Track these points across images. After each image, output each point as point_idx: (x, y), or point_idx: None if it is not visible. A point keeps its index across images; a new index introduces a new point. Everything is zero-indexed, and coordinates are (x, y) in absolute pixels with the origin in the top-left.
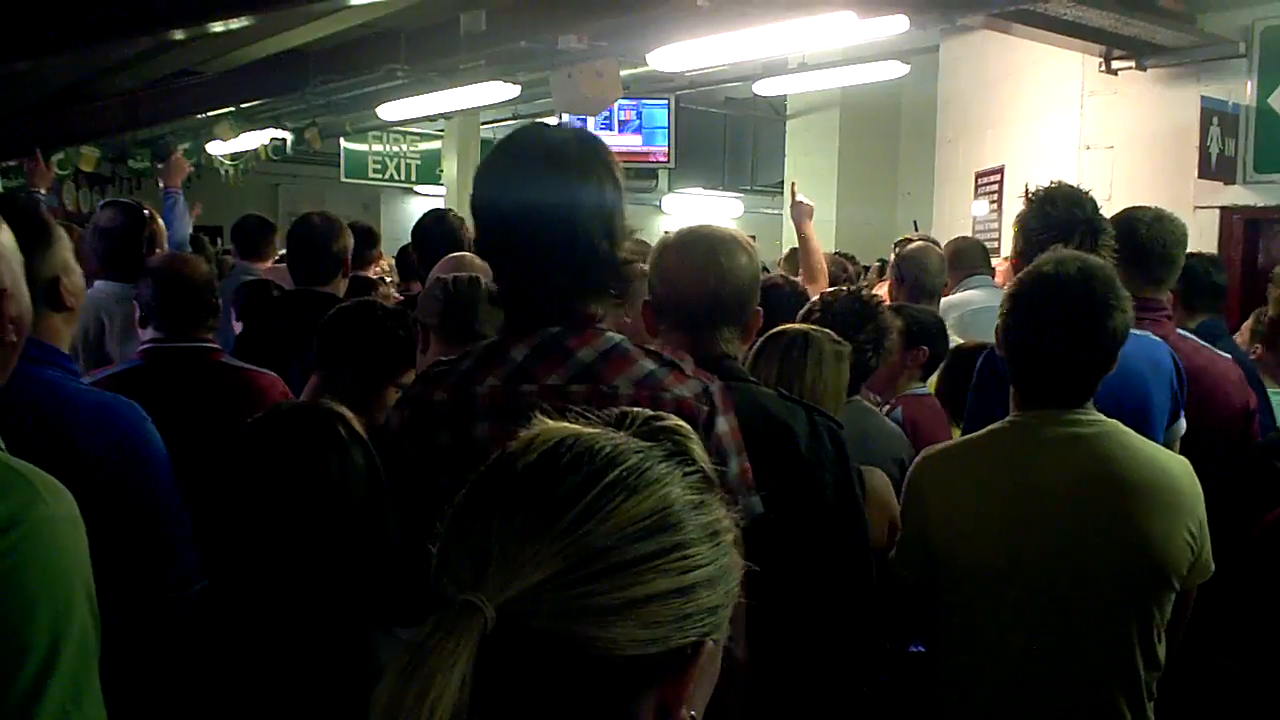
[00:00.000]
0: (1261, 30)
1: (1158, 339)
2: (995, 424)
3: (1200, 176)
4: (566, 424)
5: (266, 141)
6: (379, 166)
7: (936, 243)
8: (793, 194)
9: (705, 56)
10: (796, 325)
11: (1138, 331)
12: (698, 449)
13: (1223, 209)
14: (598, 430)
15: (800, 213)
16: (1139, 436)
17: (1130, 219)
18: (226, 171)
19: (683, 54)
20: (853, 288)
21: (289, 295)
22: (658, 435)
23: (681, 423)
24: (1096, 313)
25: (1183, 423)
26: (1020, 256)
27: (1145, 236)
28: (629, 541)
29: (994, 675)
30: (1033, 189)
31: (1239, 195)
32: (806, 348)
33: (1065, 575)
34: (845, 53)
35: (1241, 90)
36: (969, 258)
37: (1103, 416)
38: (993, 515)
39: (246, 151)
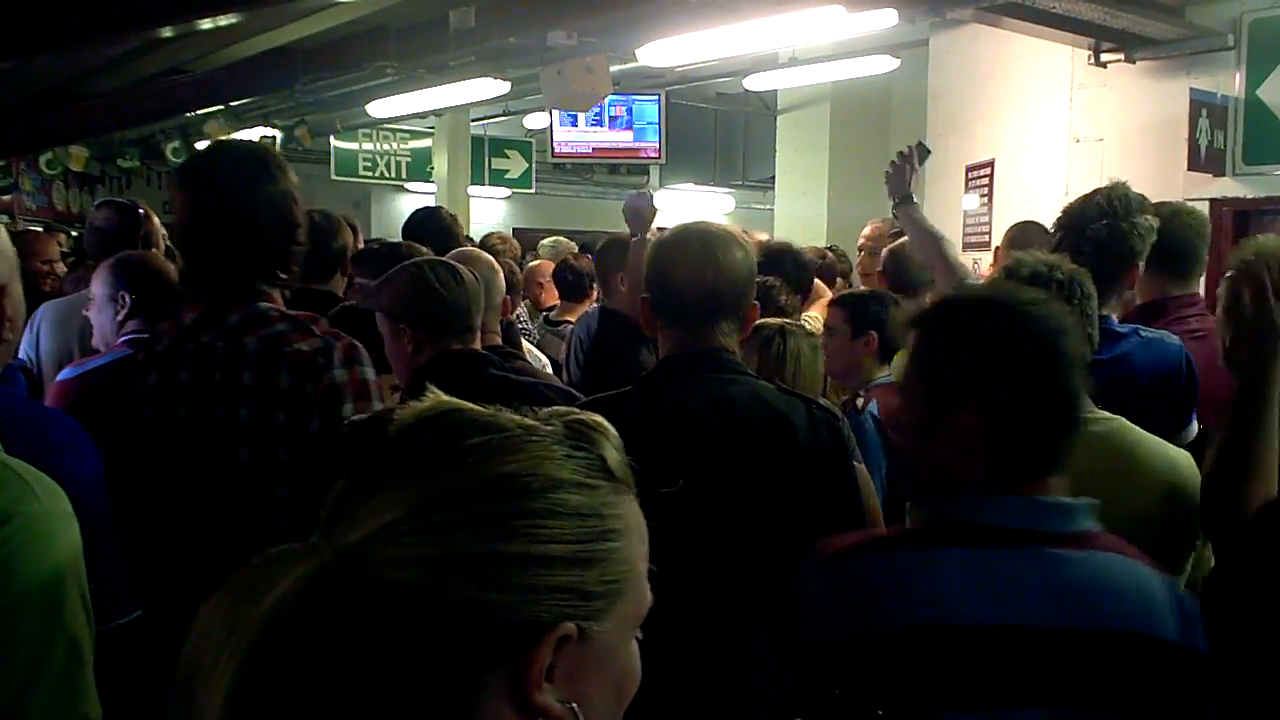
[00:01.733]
0: (1250, 22)
1: (1172, 342)
2: None
3: (1189, 169)
4: (458, 400)
5: (256, 140)
6: (369, 164)
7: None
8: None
9: (695, 52)
10: (771, 320)
11: (1150, 334)
12: (608, 445)
13: (1212, 201)
14: (481, 407)
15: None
16: (1146, 434)
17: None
18: None
19: (672, 49)
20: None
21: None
22: (568, 427)
23: (601, 420)
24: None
25: (1193, 427)
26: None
27: (1165, 232)
28: (482, 499)
29: None
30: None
31: (1228, 187)
32: (785, 341)
33: None
34: (835, 47)
35: (1230, 82)
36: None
37: (1109, 414)
38: None
39: None
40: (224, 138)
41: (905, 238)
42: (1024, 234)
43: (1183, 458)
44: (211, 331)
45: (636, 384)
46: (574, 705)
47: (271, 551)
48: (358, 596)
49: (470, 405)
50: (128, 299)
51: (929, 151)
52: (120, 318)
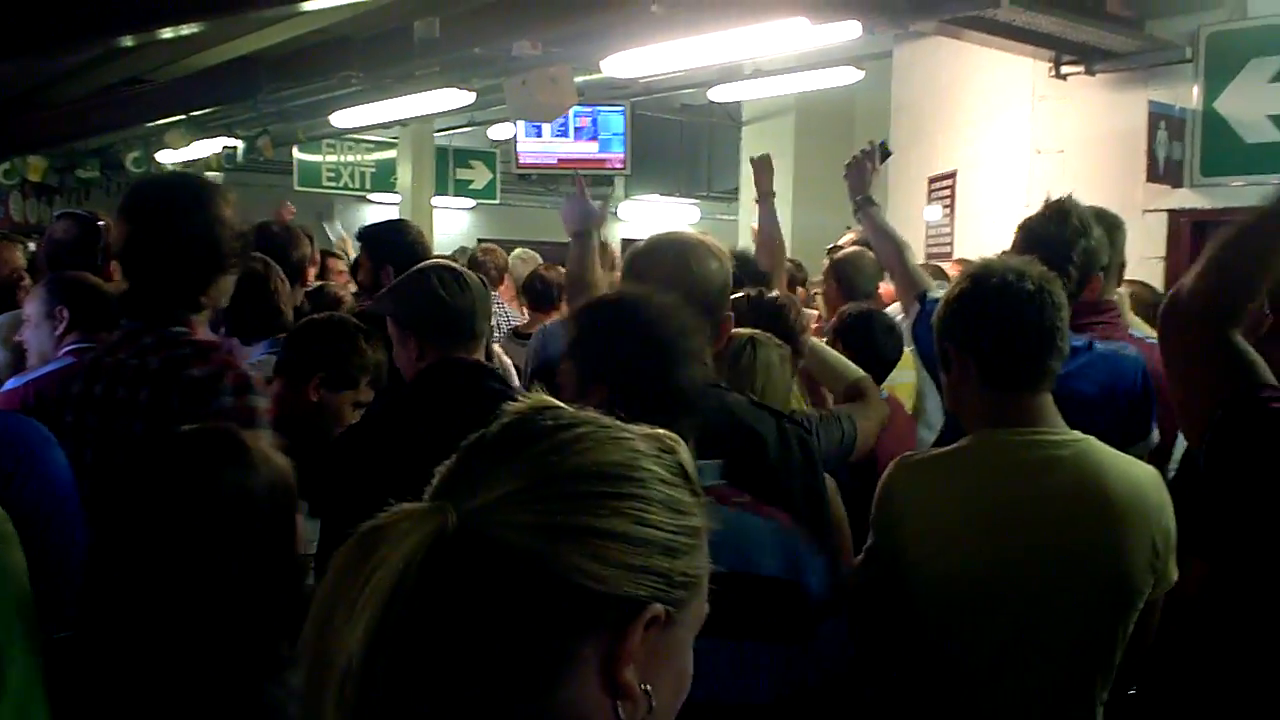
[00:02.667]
0: (1207, 36)
1: (1129, 354)
2: (969, 438)
3: (1148, 180)
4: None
5: (218, 150)
6: (333, 175)
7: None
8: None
9: (659, 63)
10: (743, 330)
11: (1107, 347)
12: (684, 453)
13: (1170, 212)
14: (580, 409)
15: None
16: (1112, 452)
17: None
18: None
19: (637, 60)
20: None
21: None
22: (644, 431)
23: (670, 434)
24: (1042, 308)
25: (1154, 437)
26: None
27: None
28: (592, 478)
29: (958, 688)
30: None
31: (1186, 198)
32: (755, 352)
33: (1036, 593)
34: (799, 59)
35: (1188, 95)
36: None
37: (1077, 434)
38: (968, 531)
39: (198, 160)
40: (164, 168)
41: (850, 248)
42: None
43: (1149, 479)
44: (128, 349)
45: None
46: (649, 688)
47: (399, 509)
48: (476, 557)
49: (565, 405)
50: (65, 313)
51: (890, 151)
52: (59, 332)
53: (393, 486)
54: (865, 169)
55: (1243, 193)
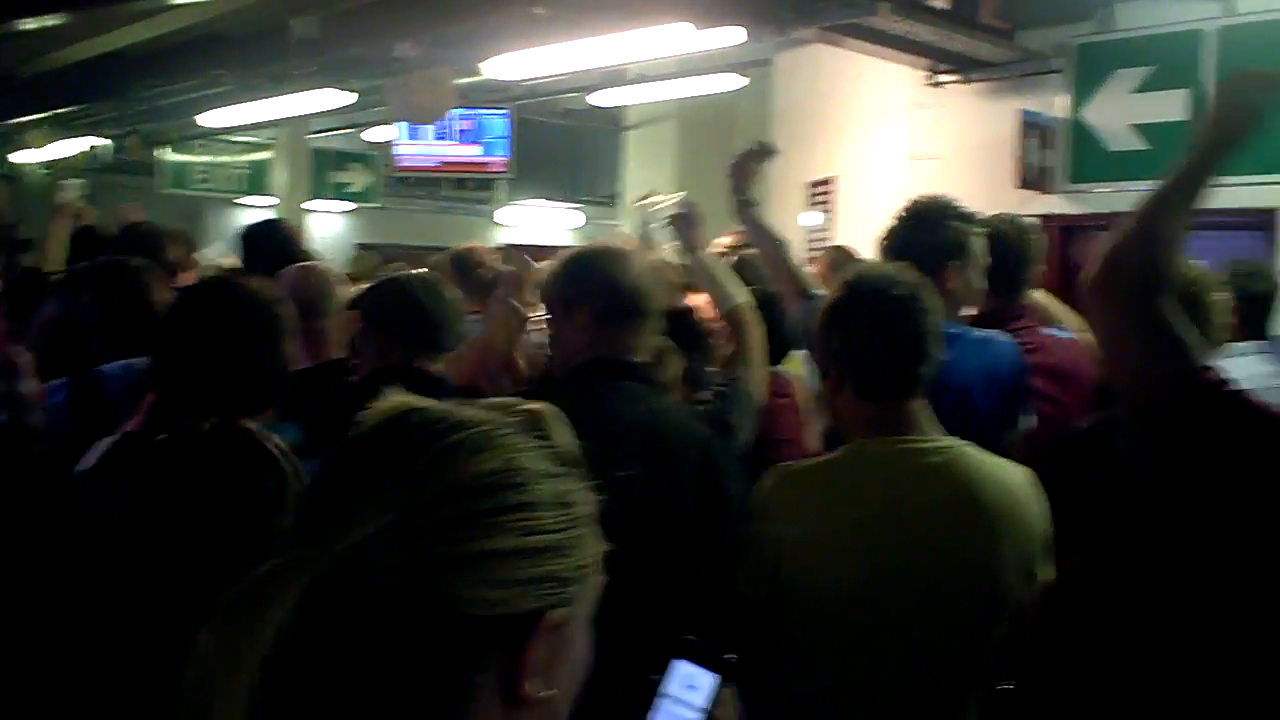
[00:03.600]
0: (1076, 47)
1: (1002, 340)
2: (845, 447)
3: (1019, 186)
4: (417, 397)
5: (84, 149)
6: (204, 177)
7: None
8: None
9: (541, 66)
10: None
11: (981, 334)
12: (561, 432)
13: (1041, 217)
14: (450, 404)
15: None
16: (985, 456)
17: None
18: (39, 182)
19: (519, 63)
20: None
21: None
22: (517, 414)
23: (550, 408)
24: (911, 316)
25: (1030, 419)
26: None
27: (1003, 246)
28: (471, 496)
29: (836, 697)
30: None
31: (1055, 204)
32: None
33: (912, 601)
34: (682, 64)
35: (1058, 104)
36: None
37: (950, 440)
38: (845, 540)
39: (60, 160)
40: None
41: (748, 250)
42: (840, 262)
43: (1022, 481)
44: None
45: (550, 389)
46: (552, 691)
47: (265, 567)
48: (357, 603)
49: (432, 402)
50: None
51: (773, 150)
52: None
53: None
54: (747, 169)
55: (1109, 199)
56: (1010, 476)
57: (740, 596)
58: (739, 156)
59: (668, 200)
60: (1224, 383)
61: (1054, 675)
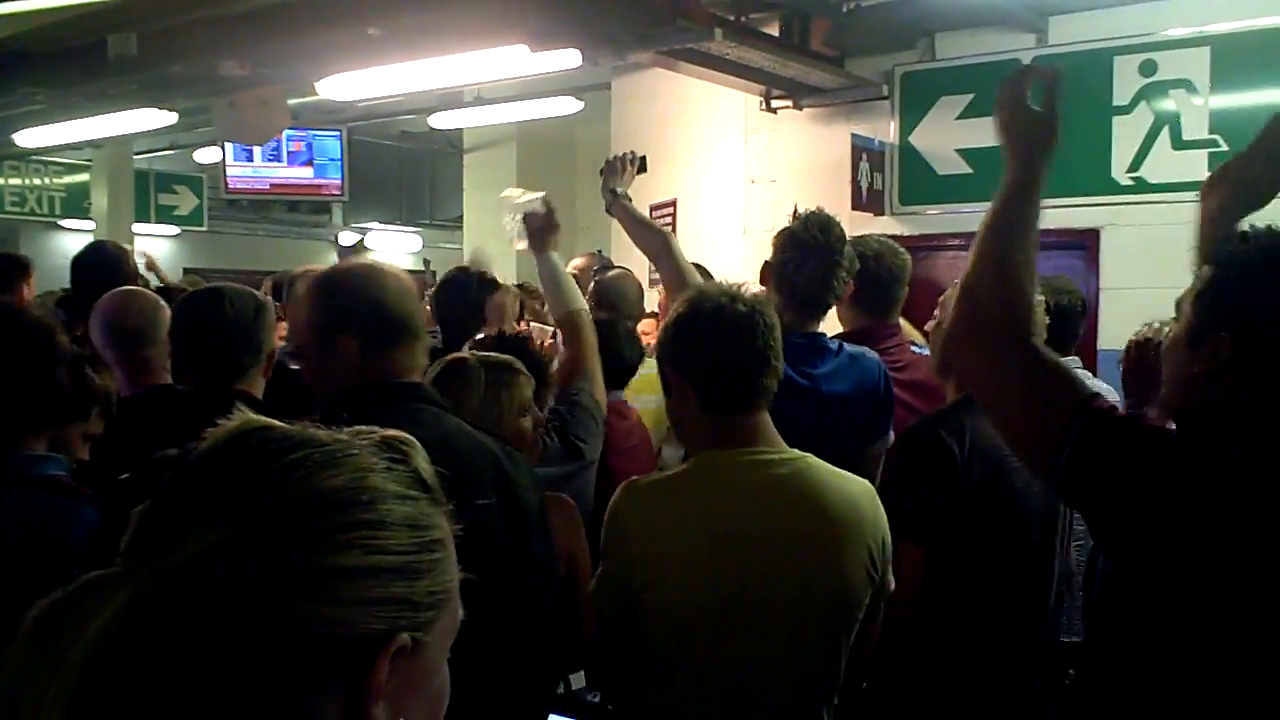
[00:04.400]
0: (901, 75)
1: (871, 357)
2: (691, 460)
3: (853, 208)
4: (265, 418)
5: None
6: (17, 199)
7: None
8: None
9: (377, 86)
10: (465, 354)
11: (854, 349)
12: (420, 458)
13: None
14: (300, 425)
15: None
16: (828, 468)
17: (860, 254)
18: None
19: (353, 83)
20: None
21: None
22: (379, 443)
23: (408, 436)
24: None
25: (890, 437)
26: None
27: (875, 268)
28: (312, 512)
29: (691, 708)
30: (801, 210)
31: (888, 225)
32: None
33: (761, 611)
34: (520, 87)
35: (887, 129)
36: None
37: (795, 452)
38: (692, 553)
39: None
40: None
41: (613, 271)
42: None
43: (864, 493)
44: None
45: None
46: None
47: (78, 582)
48: (184, 619)
49: (279, 423)
50: None
51: (646, 168)
52: None
53: None
54: (618, 169)
55: (938, 220)
56: (853, 487)
57: (598, 614)
58: (612, 160)
59: (529, 197)
60: (1113, 408)
61: (909, 675)
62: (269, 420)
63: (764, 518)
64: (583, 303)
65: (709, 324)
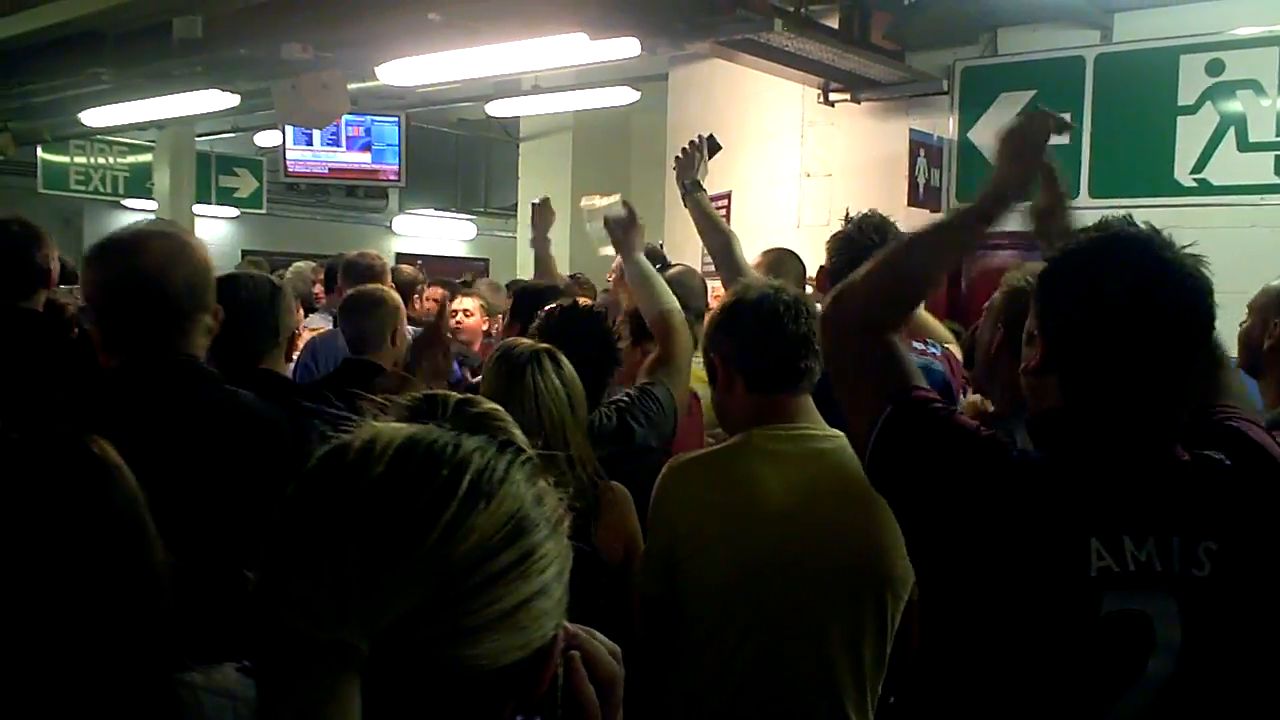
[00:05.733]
0: (962, 70)
1: (939, 366)
2: (738, 436)
3: (909, 204)
4: (395, 425)
5: None
6: (82, 178)
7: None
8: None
9: (436, 72)
10: (525, 341)
11: (921, 361)
12: (517, 432)
13: None
14: (430, 429)
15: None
16: None
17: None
18: None
19: (413, 69)
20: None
21: None
22: (478, 423)
23: (493, 405)
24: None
25: None
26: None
27: None
28: (493, 555)
29: (727, 685)
30: (854, 212)
31: None
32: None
33: (802, 586)
34: (577, 77)
35: (945, 125)
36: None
37: (837, 431)
38: (735, 528)
39: None
40: None
41: (677, 267)
42: (780, 261)
43: None
44: None
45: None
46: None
47: (296, 652)
48: (386, 678)
49: (404, 428)
50: None
51: (719, 146)
52: None
53: None
54: (694, 159)
55: None
56: None
57: (641, 595)
58: (686, 148)
59: (607, 201)
60: (931, 399)
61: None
62: (402, 429)
63: (809, 489)
64: (675, 303)
65: (753, 310)
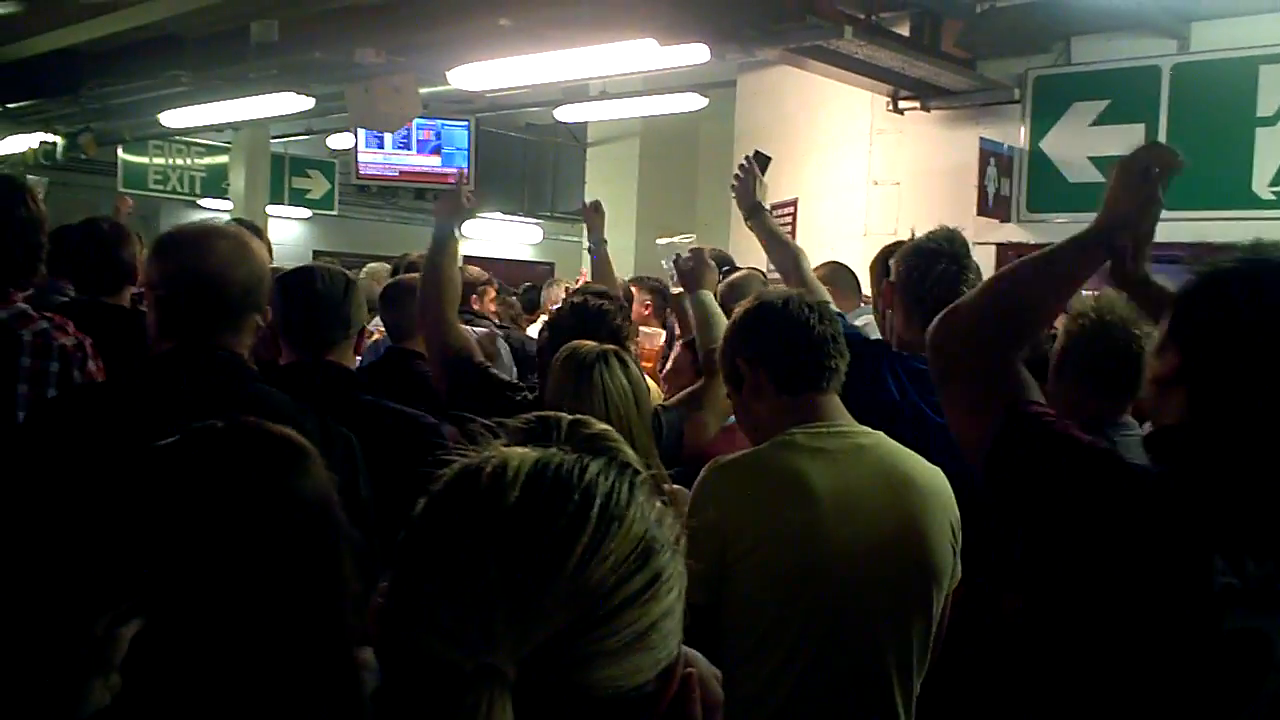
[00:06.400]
0: (1034, 79)
1: None
2: (778, 436)
3: (979, 214)
4: (518, 450)
5: (35, 145)
6: (160, 178)
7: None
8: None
9: (506, 77)
10: (589, 342)
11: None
12: (629, 451)
13: (999, 245)
14: (553, 453)
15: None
16: (902, 447)
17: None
18: None
19: (483, 74)
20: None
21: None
22: (593, 444)
23: (604, 426)
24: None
25: None
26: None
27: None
28: (628, 578)
29: (783, 686)
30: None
31: (1013, 233)
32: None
33: (856, 581)
34: (645, 83)
35: (1016, 134)
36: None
37: (870, 429)
38: (789, 525)
39: (11, 155)
40: None
41: (739, 271)
42: (835, 273)
43: (939, 473)
44: None
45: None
46: None
47: (442, 688)
48: (528, 703)
49: (528, 452)
50: None
51: (769, 158)
52: None
53: None
54: (749, 183)
55: (1066, 229)
56: (928, 465)
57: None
58: (739, 172)
59: (683, 239)
60: (1044, 412)
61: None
62: (528, 454)
63: (856, 485)
64: None
65: (776, 312)
